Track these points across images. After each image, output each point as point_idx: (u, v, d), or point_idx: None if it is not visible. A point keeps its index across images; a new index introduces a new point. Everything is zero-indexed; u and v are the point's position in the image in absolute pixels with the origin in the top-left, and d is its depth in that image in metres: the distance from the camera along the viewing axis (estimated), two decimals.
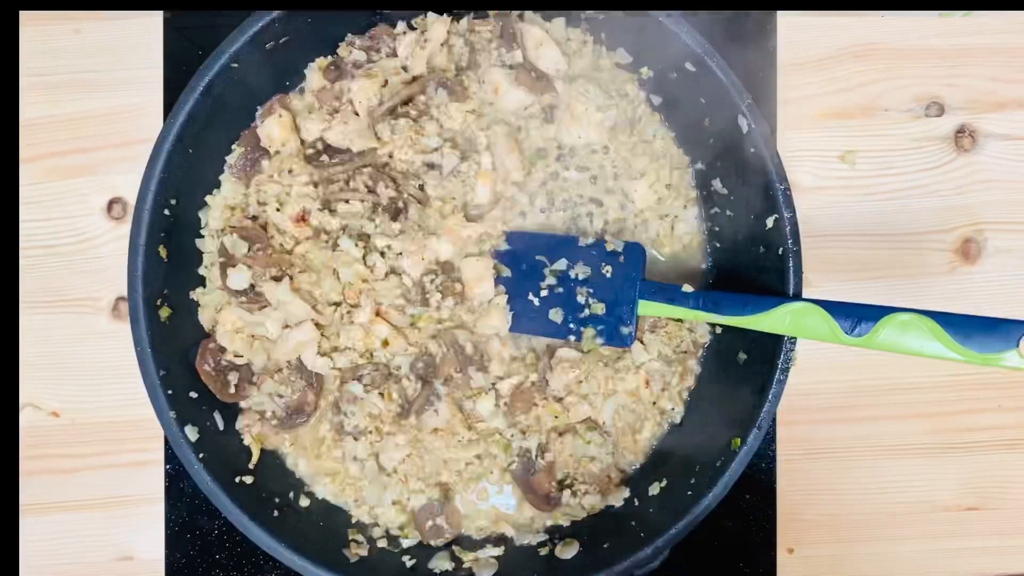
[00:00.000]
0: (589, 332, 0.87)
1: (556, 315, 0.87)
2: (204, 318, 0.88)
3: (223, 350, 0.87)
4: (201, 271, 0.89)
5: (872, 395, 0.96)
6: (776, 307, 0.79)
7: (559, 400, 0.89)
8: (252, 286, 0.86)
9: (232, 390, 0.87)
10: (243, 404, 0.90)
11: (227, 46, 0.82)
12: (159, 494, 0.94)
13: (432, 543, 0.89)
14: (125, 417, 0.94)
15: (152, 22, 0.96)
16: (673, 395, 0.91)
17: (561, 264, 0.88)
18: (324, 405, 0.90)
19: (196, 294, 0.88)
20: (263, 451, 0.89)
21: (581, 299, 0.87)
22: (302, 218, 0.87)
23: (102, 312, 0.95)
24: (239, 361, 0.88)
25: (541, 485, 0.89)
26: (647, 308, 0.86)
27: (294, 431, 0.90)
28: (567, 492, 0.89)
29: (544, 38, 0.88)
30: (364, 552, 0.87)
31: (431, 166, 0.88)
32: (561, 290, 0.88)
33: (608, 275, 0.87)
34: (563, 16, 0.89)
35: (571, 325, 0.87)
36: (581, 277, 0.87)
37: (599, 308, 0.87)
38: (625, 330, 0.86)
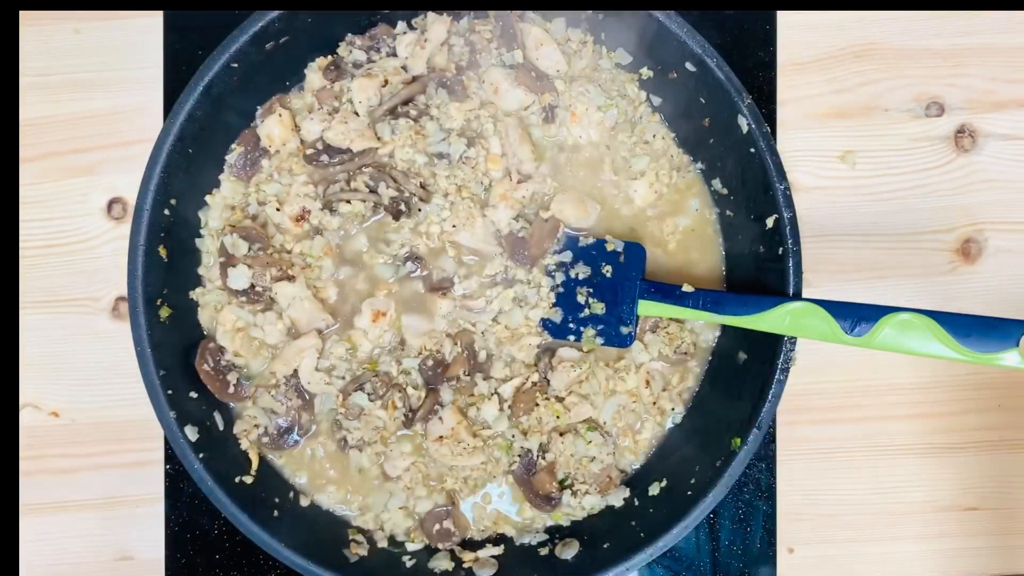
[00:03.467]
0: (589, 332, 0.87)
1: (556, 315, 0.87)
2: (204, 318, 0.88)
3: (222, 350, 0.87)
4: (200, 271, 0.89)
5: (872, 395, 0.96)
6: (776, 307, 0.79)
7: (560, 400, 0.89)
8: (252, 286, 0.86)
9: (231, 390, 0.87)
10: (240, 411, 0.90)
11: (227, 46, 0.82)
12: (159, 494, 0.94)
13: (440, 546, 0.89)
14: (125, 417, 0.94)
15: (152, 22, 0.96)
16: (673, 395, 0.91)
17: (562, 262, 0.88)
18: (317, 429, 0.89)
19: (196, 294, 0.88)
20: (262, 455, 0.89)
21: (581, 299, 0.87)
22: (302, 217, 0.87)
23: (102, 312, 0.95)
24: (239, 361, 0.88)
25: (542, 485, 0.89)
26: (647, 308, 0.86)
27: (285, 452, 0.89)
28: (567, 492, 0.89)
29: (544, 38, 0.88)
30: (364, 552, 0.87)
31: (440, 155, 0.88)
32: (561, 290, 0.88)
33: (608, 275, 0.87)
34: (563, 16, 0.89)
35: (571, 325, 0.87)
36: (581, 277, 0.87)
37: (599, 308, 0.87)
38: (625, 330, 0.86)
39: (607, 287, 0.87)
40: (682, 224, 0.92)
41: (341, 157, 0.87)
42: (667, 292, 0.85)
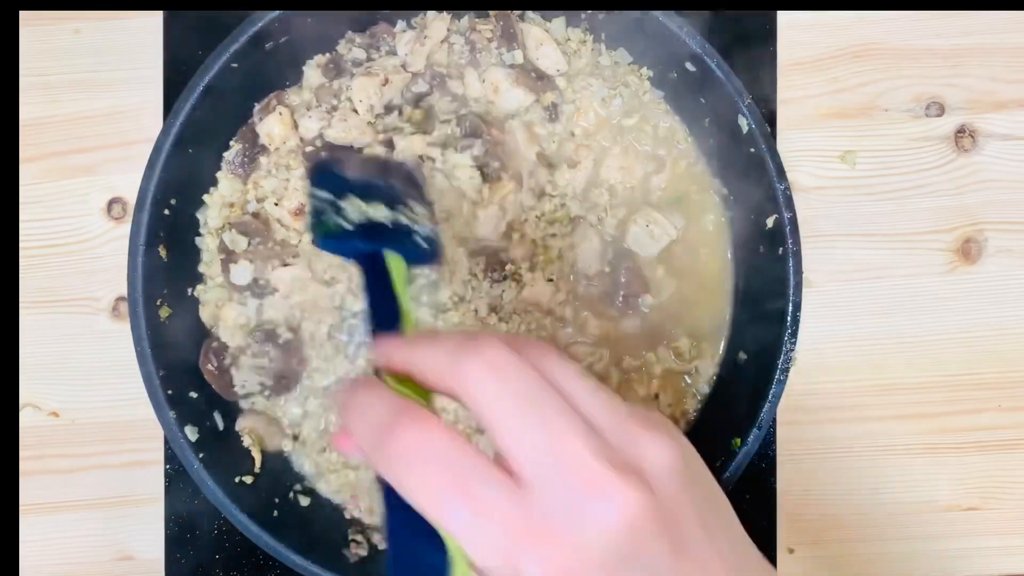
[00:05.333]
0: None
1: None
2: (205, 315, 0.88)
3: (226, 348, 0.87)
4: (201, 268, 0.89)
5: (872, 395, 0.96)
6: None
7: None
8: (255, 280, 0.86)
9: (236, 389, 0.87)
10: (243, 404, 0.90)
11: (227, 46, 0.82)
12: (159, 494, 0.94)
13: None
14: (125, 417, 0.94)
15: (152, 22, 0.96)
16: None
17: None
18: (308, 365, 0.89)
19: (197, 291, 0.88)
20: (264, 453, 0.89)
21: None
22: (301, 211, 0.87)
23: (101, 312, 0.95)
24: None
25: None
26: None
27: (288, 396, 0.89)
28: None
29: (544, 38, 0.88)
30: (364, 552, 0.87)
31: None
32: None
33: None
34: (563, 16, 0.89)
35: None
36: None
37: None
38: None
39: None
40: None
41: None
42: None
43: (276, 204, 0.87)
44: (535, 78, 0.89)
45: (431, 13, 0.89)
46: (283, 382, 0.88)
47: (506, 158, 0.87)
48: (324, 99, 0.89)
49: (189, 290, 0.88)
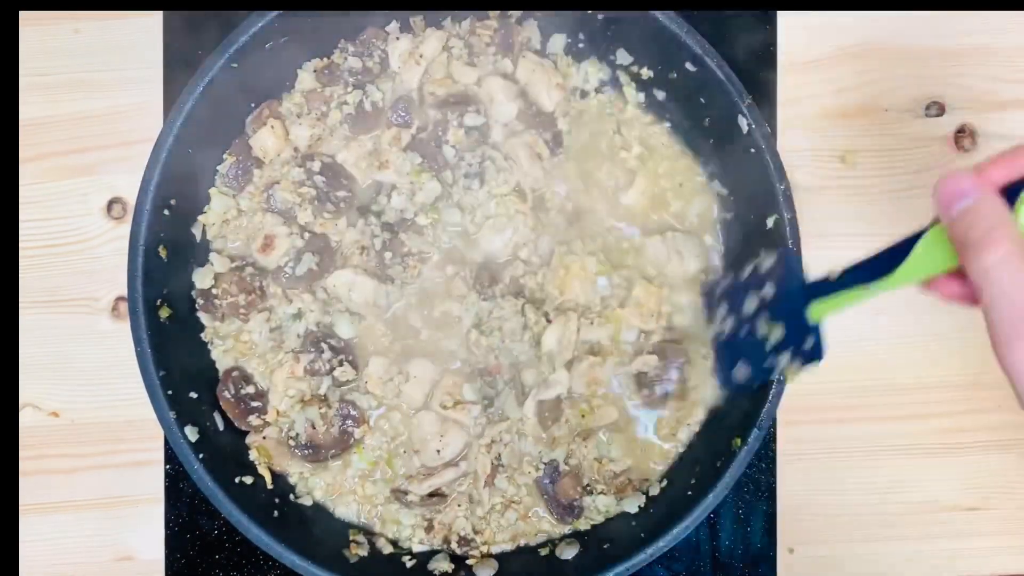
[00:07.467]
0: (784, 360, 0.70)
1: (741, 371, 0.73)
2: (226, 359, 0.89)
3: (245, 379, 0.88)
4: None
5: (872, 395, 0.96)
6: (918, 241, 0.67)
7: (587, 403, 0.88)
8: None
9: (251, 419, 0.87)
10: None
11: (227, 46, 0.82)
12: (159, 494, 0.94)
13: (443, 548, 0.88)
14: (125, 417, 0.94)
15: (152, 22, 0.96)
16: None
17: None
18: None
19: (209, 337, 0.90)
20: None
21: (762, 331, 0.71)
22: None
23: (102, 312, 0.95)
24: (259, 387, 0.88)
25: (566, 493, 0.87)
26: (820, 309, 0.70)
27: (316, 464, 0.88)
28: (588, 498, 0.88)
29: (543, 77, 0.89)
30: (364, 552, 0.87)
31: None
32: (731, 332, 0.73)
33: (769, 296, 0.72)
34: (563, 33, 0.90)
35: (764, 366, 0.71)
36: (752, 310, 0.73)
37: (778, 332, 0.70)
38: (810, 342, 0.70)
39: (775, 309, 0.71)
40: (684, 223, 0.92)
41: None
42: (824, 287, 0.70)
43: None
44: (534, 114, 0.89)
45: (429, 30, 0.89)
46: (317, 452, 0.87)
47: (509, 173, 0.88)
48: (314, 105, 0.89)
49: (190, 291, 0.88)
